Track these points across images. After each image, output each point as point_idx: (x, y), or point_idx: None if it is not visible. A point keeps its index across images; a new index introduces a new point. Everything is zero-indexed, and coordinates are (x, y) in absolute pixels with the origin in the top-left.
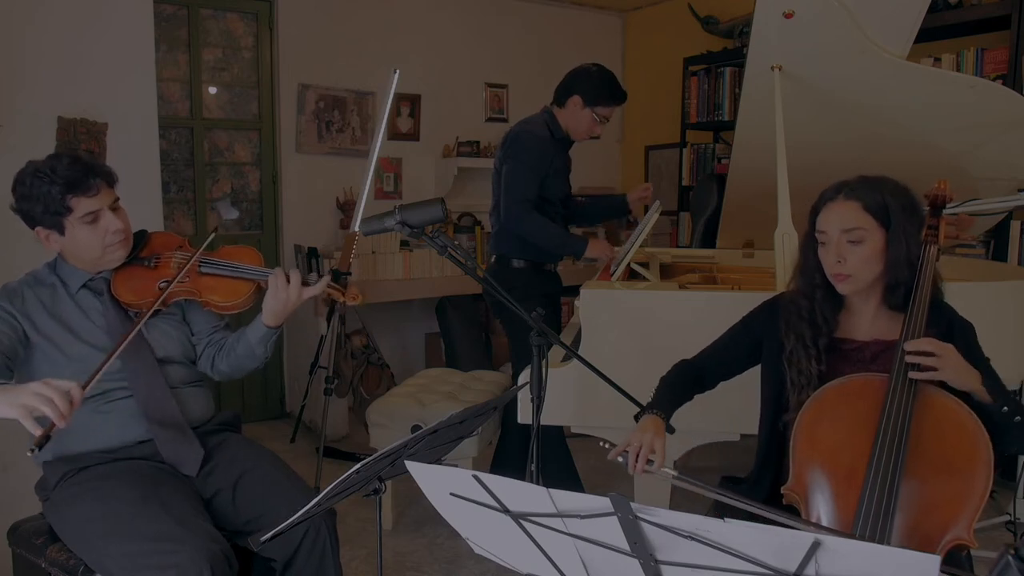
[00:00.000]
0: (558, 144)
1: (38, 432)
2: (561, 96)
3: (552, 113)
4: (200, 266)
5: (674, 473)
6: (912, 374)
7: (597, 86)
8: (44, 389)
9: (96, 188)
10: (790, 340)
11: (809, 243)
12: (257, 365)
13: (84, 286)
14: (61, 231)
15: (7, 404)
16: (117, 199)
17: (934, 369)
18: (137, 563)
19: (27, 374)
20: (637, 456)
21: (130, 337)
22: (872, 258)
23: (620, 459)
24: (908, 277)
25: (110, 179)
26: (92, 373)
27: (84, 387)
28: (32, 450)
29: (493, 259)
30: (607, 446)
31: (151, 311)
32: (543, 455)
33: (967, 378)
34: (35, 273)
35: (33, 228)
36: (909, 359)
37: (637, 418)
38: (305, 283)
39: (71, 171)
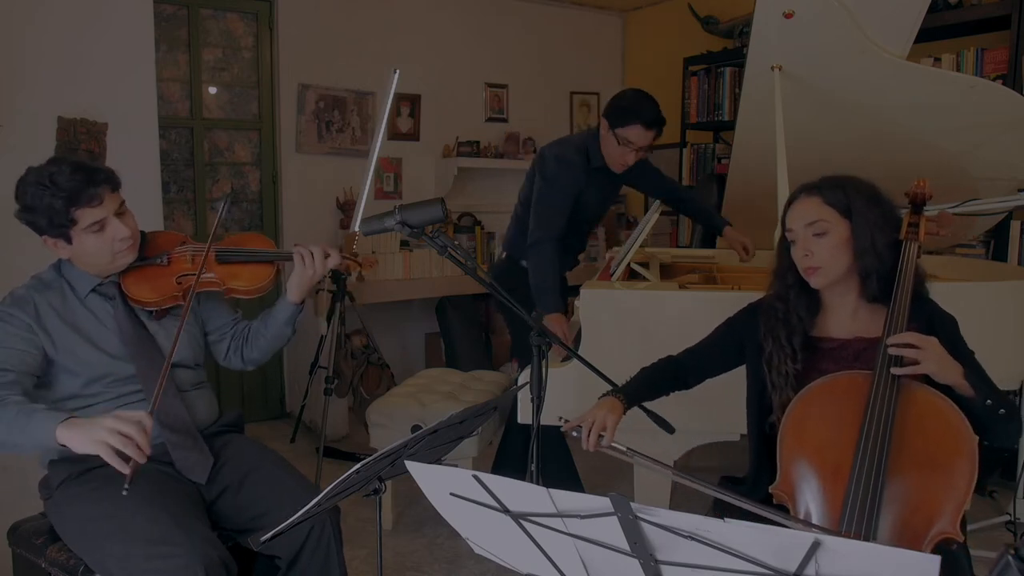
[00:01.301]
0: (594, 172)
1: (127, 471)
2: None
3: (597, 138)
4: (216, 255)
5: (623, 448)
6: (894, 370)
7: (620, 106)
8: (121, 425)
9: (99, 197)
10: (768, 343)
11: (783, 246)
12: (285, 344)
13: (93, 290)
14: (68, 240)
15: (86, 440)
16: (122, 203)
17: (916, 362)
18: (134, 565)
19: (43, 383)
20: (590, 432)
21: (178, 335)
22: (838, 248)
23: (575, 434)
24: (879, 266)
25: (113, 183)
26: (155, 392)
27: (151, 412)
28: (126, 488)
29: (504, 255)
30: (564, 421)
31: (190, 300)
32: (543, 455)
33: (950, 371)
34: (40, 276)
35: (41, 236)
36: (892, 351)
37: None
38: (325, 254)
39: (73, 182)
